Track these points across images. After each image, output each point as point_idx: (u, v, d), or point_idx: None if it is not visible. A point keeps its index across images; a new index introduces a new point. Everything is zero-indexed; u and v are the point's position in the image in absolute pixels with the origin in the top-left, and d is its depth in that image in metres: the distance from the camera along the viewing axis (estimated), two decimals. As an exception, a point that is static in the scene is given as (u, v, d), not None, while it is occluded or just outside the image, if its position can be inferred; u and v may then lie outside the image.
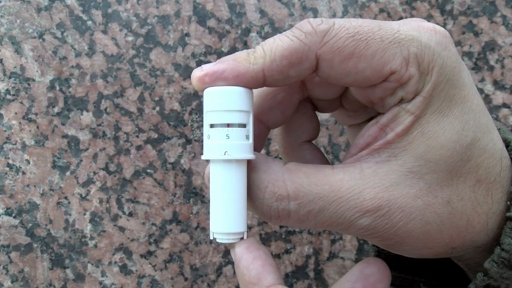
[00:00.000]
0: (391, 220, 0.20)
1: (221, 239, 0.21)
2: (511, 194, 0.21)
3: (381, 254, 0.27)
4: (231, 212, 0.20)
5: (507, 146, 0.22)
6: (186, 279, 0.41)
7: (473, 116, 0.20)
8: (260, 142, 0.25)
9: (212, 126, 0.21)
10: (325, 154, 0.42)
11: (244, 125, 0.21)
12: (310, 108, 0.26)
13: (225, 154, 0.20)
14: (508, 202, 0.21)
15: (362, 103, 0.23)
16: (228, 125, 0.20)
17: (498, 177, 0.21)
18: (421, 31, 0.20)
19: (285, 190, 0.20)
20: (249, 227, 0.41)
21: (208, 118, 0.21)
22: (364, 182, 0.20)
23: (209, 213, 0.41)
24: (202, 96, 0.42)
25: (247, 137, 0.21)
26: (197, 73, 0.21)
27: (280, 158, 0.27)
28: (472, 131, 0.20)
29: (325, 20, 0.20)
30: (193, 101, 0.42)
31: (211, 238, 0.21)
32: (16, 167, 0.40)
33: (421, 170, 0.20)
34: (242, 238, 0.21)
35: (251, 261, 0.20)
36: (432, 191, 0.20)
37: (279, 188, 0.20)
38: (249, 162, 0.21)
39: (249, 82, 0.20)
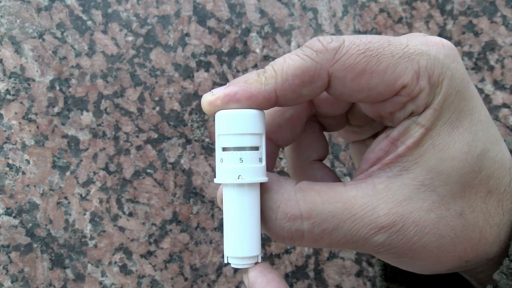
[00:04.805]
0: (406, 235, 0.20)
1: (236, 264, 0.21)
2: None
3: (387, 268, 0.27)
4: (245, 236, 0.20)
5: None
6: (186, 279, 0.41)
7: (482, 127, 0.20)
8: (271, 161, 0.25)
9: (224, 149, 0.20)
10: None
11: (257, 148, 0.20)
12: (318, 128, 0.26)
13: (238, 178, 0.20)
14: None
15: (368, 118, 0.23)
16: (242, 149, 0.20)
17: (508, 188, 0.21)
18: (429, 44, 0.20)
19: (297, 209, 0.20)
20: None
21: (220, 141, 0.20)
22: (377, 198, 0.20)
23: (207, 212, 0.41)
24: (202, 96, 0.42)
25: (260, 159, 0.20)
26: (208, 97, 0.21)
27: None
28: (482, 142, 0.20)
29: (335, 37, 0.20)
30: (193, 101, 0.42)
31: (225, 262, 0.21)
32: (16, 167, 0.40)
33: (433, 182, 0.20)
34: (257, 262, 0.21)
35: (265, 284, 0.20)
36: (444, 203, 0.20)
37: (291, 208, 0.20)
38: (261, 183, 0.21)
39: (261, 103, 0.20)
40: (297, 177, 0.26)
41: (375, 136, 0.26)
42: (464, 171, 0.20)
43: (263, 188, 0.21)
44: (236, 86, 0.20)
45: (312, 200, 0.20)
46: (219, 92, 0.20)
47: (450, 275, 0.26)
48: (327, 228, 0.20)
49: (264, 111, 0.21)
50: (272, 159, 0.25)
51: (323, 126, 0.26)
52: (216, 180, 0.21)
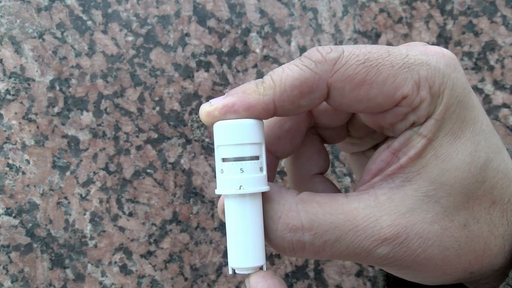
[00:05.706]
0: (410, 247, 0.20)
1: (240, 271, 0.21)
2: None
3: (390, 278, 0.26)
4: (249, 247, 0.20)
5: None
6: (186, 279, 0.41)
7: (484, 137, 0.20)
8: (271, 172, 0.24)
9: (224, 160, 0.20)
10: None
11: (257, 157, 0.20)
12: (318, 140, 0.26)
13: (240, 189, 0.20)
14: None
15: (369, 129, 0.23)
16: (242, 159, 0.20)
17: None
18: (429, 54, 0.20)
19: (299, 220, 0.20)
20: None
21: (220, 152, 0.20)
22: (379, 210, 0.20)
23: (207, 212, 0.41)
24: (202, 96, 0.42)
25: (261, 169, 0.20)
26: (206, 107, 0.20)
27: None
28: (485, 152, 0.20)
29: (334, 47, 0.20)
30: (193, 101, 0.42)
31: (230, 272, 0.21)
32: (16, 167, 0.40)
33: (437, 193, 0.20)
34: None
35: None
36: (448, 215, 0.20)
37: (292, 219, 0.20)
38: (262, 193, 0.21)
39: (260, 113, 0.20)
40: (298, 191, 0.26)
41: (375, 147, 0.25)
42: (467, 182, 0.20)
43: (264, 198, 0.21)
44: (234, 96, 0.20)
45: (314, 211, 0.20)
46: (217, 103, 0.20)
47: (454, 285, 0.26)
48: (329, 239, 0.20)
49: (263, 120, 0.21)
50: (272, 170, 0.24)
51: (323, 139, 0.26)
52: (217, 191, 0.20)
